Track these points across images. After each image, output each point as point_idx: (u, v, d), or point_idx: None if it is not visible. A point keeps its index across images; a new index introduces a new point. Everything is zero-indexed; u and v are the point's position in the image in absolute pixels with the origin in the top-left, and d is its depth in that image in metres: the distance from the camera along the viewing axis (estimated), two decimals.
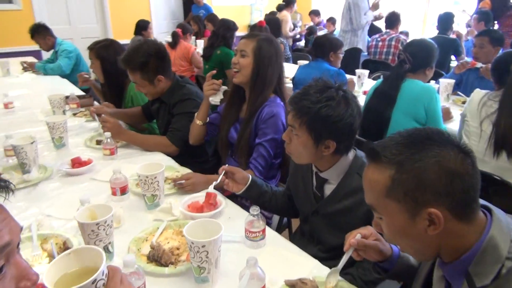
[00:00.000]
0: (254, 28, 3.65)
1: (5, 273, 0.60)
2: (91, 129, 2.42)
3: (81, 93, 3.21)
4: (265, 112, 1.80)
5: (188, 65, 4.85)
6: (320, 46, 3.14)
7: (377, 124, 2.35)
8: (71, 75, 4.05)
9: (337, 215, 1.37)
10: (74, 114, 2.67)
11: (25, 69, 4.27)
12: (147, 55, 2.02)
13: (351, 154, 1.37)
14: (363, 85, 3.49)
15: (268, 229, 1.36)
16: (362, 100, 3.19)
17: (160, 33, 7.15)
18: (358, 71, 3.55)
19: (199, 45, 5.41)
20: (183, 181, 1.63)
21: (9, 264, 0.62)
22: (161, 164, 1.53)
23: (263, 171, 1.81)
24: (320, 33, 6.40)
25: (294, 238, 1.63)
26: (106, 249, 1.20)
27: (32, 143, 1.74)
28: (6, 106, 2.81)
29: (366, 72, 3.55)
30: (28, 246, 1.29)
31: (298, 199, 1.55)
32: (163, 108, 2.18)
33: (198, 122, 1.97)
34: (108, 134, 1.96)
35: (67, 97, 2.82)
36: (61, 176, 1.80)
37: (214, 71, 1.97)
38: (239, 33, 4.54)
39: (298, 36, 6.77)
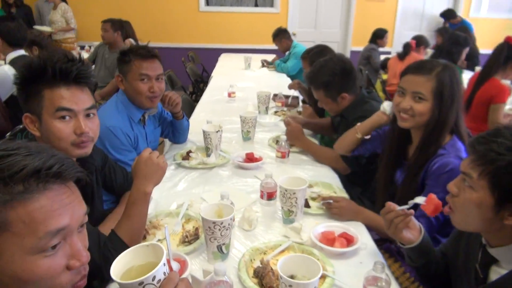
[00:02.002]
0: (499, 49, 2.90)
1: (57, 250, 0.67)
2: (282, 129, 2.53)
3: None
4: (438, 163, 1.39)
5: None
6: None
7: None
8: (297, 76, 4.37)
9: None
10: (276, 112, 2.86)
11: (262, 65, 4.86)
12: (331, 74, 1.95)
13: None
14: None
15: None
16: None
17: (401, 43, 6.84)
18: None
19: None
20: (331, 201, 1.50)
21: (65, 243, 0.68)
22: (305, 181, 1.45)
23: None
24: None
25: None
26: (219, 249, 1.23)
27: (217, 131, 1.95)
28: (229, 95, 3.27)
29: None
30: (173, 220, 1.47)
31: (455, 272, 1.19)
32: (343, 123, 2.07)
33: (357, 134, 1.79)
34: (283, 137, 2.01)
35: (275, 95, 3.04)
36: (234, 166, 1.96)
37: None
38: (484, 50, 3.84)
39: None
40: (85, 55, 4.96)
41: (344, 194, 1.69)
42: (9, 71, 2.62)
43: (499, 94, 2.83)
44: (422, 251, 1.19)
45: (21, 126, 2.33)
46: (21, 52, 2.75)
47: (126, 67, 1.84)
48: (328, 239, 1.34)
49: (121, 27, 4.21)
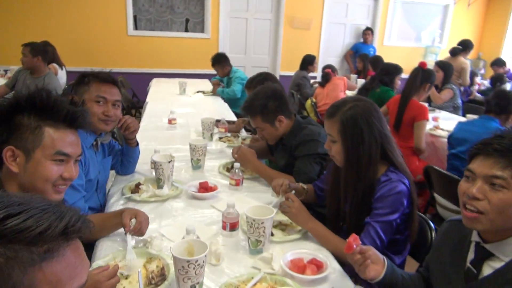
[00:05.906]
0: (414, 73, 3.27)
1: None
2: (230, 155, 2.51)
3: (234, 119, 3.42)
4: (386, 187, 1.47)
5: (344, 95, 4.85)
6: (501, 101, 2.59)
7: None
8: (241, 99, 4.45)
9: None
10: (220, 138, 2.84)
11: (198, 91, 4.82)
12: (265, 97, 2.06)
13: None
14: None
15: None
16: None
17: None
18: None
19: (360, 85, 5.29)
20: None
21: None
22: (272, 210, 1.44)
23: None
24: (508, 85, 5.51)
25: None
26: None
27: (169, 162, 1.88)
28: (170, 122, 3.19)
29: None
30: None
31: (440, 278, 1.23)
32: (282, 149, 2.16)
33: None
34: (237, 165, 2.00)
35: (218, 121, 3.03)
36: (187, 197, 1.89)
37: None
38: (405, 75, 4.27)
39: (483, 87, 5.95)
40: (1, 81, 4.52)
41: None
42: None
43: (420, 113, 3.14)
44: (388, 284, 1.24)
45: None
46: None
47: (83, 88, 1.75)
48: (299, 266, 1.33)
49: (43, 51, 3.93)
